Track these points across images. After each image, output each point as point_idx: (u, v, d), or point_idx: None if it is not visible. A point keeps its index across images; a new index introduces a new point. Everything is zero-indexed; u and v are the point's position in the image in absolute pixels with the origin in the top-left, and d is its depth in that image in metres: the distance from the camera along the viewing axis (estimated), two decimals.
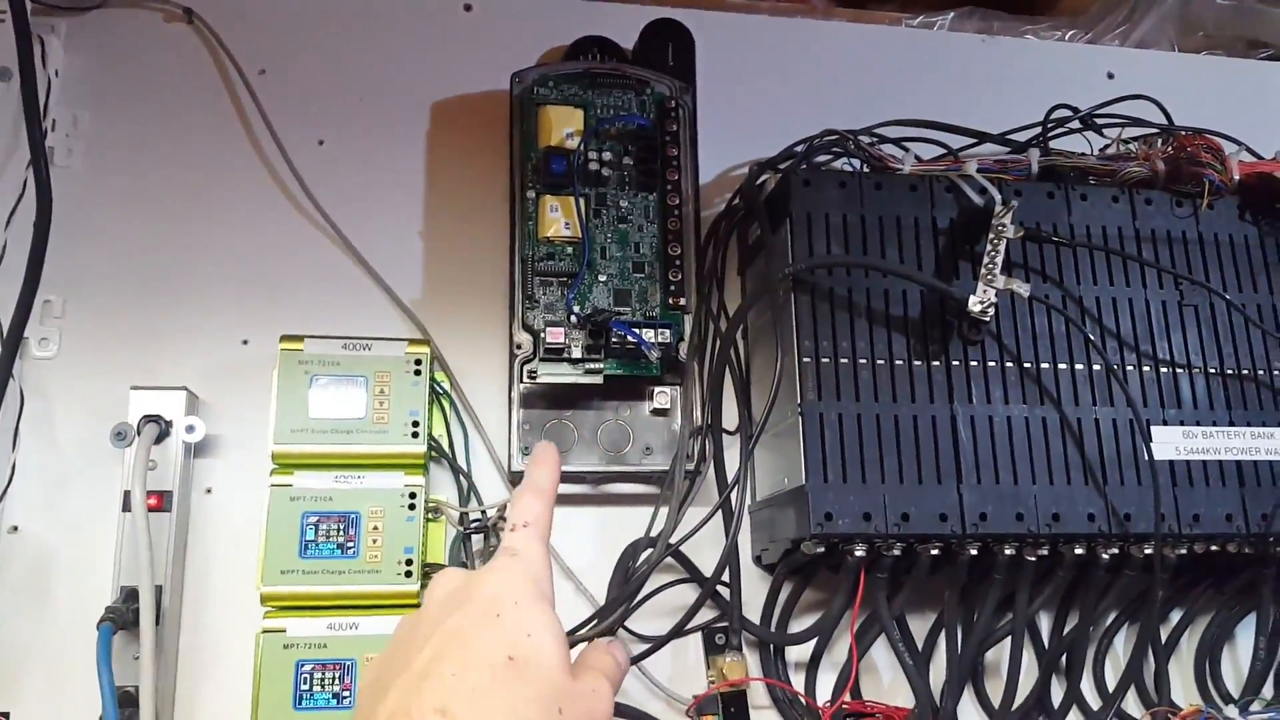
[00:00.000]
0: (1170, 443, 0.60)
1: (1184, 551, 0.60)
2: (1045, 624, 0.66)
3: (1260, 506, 0.60)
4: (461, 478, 0.62)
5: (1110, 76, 0.78)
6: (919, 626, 0.65)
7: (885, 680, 0.65)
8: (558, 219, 0.62)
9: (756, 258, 0.67)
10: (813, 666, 0.63)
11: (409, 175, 0.69)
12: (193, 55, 0.69)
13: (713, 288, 0.67)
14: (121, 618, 0.54)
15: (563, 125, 0.63)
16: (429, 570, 0.58)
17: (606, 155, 0.64)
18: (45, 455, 0.60)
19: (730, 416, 0.66)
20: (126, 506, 0.56)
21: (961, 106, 0.70)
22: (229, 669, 0.58)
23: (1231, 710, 0.61)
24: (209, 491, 0.61)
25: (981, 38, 0.78)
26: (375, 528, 0.57)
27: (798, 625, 0.64)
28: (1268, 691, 0.67)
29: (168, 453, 0.58)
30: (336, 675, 0.54)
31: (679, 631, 0.57)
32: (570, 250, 0.62)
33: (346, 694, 0.54)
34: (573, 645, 0.56)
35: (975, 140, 0.68)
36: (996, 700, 0.63)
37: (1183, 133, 0.66)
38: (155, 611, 0.54)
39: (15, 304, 0.58)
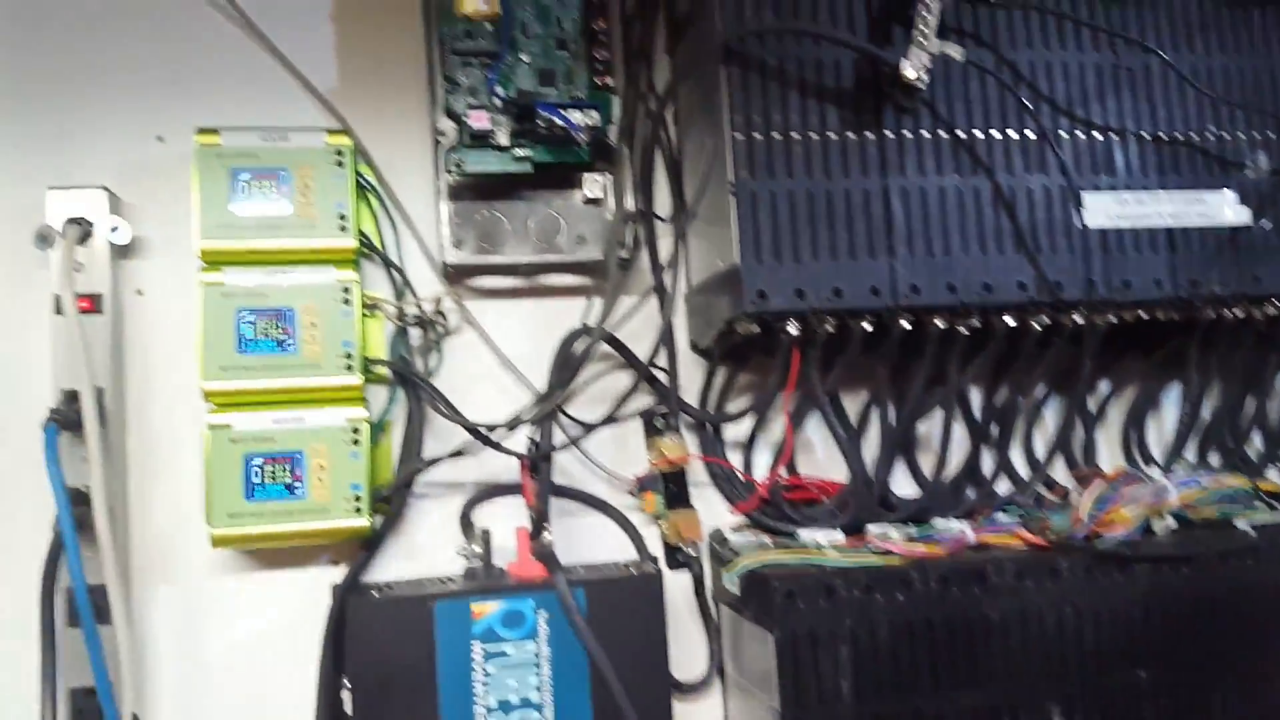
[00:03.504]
0: (1102, 209, 0.60)
1: (1114, 319, 0.61)
2: (978, 398, 0.68)
3: (1189, 271, 0.61)
4: (394, 272, 0.62)
5: None
6: (854, 404, 0.66)
7: (820, 456, 0.67)
8: None
9: (685, 34, 0.64)
10: (750, 446, 0.66)
11: None
12: None
13: (641, 67, 0.64)
14: (65, 419, 0.55)
15: None
16: (370, 365, 0.59)
17: None
18: None
19: (665, 202, 0.65)
20: (58, 309, 0.56)
21: None
22: (177, 466, 0.59)
23: (1155, 471, 0.64)
24: (139, 293, 0.60)
25: None
26: (312, 323, 0.57)
27: (735, 408, 0.66)
28: (1191, 456, 0.70)
29: (94, 255, 0.58)
30: (286, 467, 0.56)
31: (613, 414, 0.58)
32: (490, 28, 0.59)
33: (298, 484, 0.56)
34: (514, 425, 0.58)
35: None
36: (930, 472, 0.66)
37: None
38: (98, 412, 0.55)
39: None
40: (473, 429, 0.57)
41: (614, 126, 0.61)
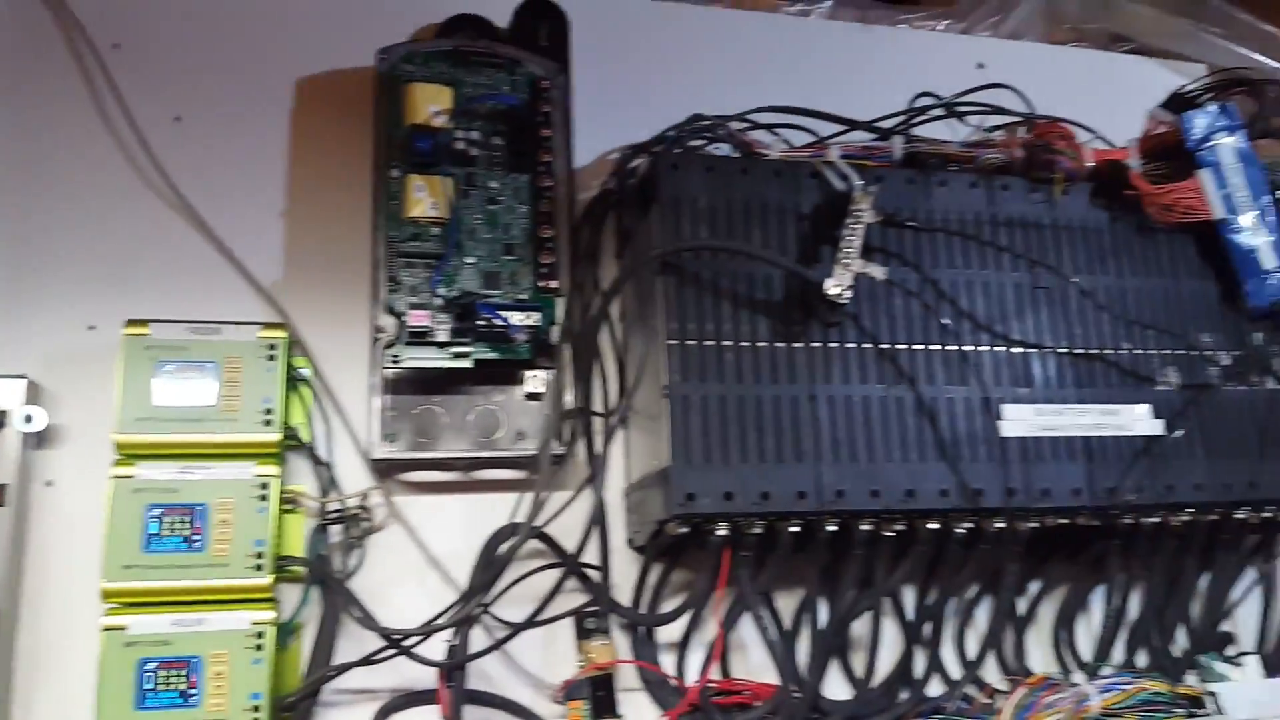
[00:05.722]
0: (1021, 420, 0.62)
1: (1035, 525, 0.62)
2: (912, 599, 0.68)
3: (1106, 480, 0.63)
4: (321, 467, 0.60)
5: (980, 66, 0.80)
6: (789, 604, 0.66)
7: (755, 659, 0.66)
8: (423, 199, 0.61)
9: (631, 243, 0.67)
10: (683, 647, 0.64)
11: (271, 154, 0.67)
12: (41, 30, 0.65)
13: (589, 271, 0.67)
14: None
15: (429, 103, 0.62)
16: (283, 563, 0.57)
17: (475, 135, 0.63)
18: None
19: (611, 401, 0.66)
20: None
21: (837, 94, 0.71)
22: (71, 669, 0.55)
23: (1079, 676, 0.64)
24: (49, 484, 0.58)
25: (858, 26, 0.79)
26: (224, 520, 0.55)
27: (670, 607, 0.64)
28: (1119, 657, 0.70)
29: (4, 444, 0.55)
30: (182, 673, 0.52)
31: (536, 615, 0.56)
32: (437, 231, 0.61)
33: (194, 691, 0.52)
34: (430, 633, 0.56)
35: (844, 127, 0.69)
36: (864, 673, 0.65)
37: (1040, 121, 0.69)
38: None
39: None
40: (386, 634, 0.55)
41: (556, 327, 0.62)
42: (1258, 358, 0.68)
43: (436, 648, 0.58)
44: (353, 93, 0.67)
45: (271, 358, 0.58)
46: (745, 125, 0.66)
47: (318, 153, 0.67)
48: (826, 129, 0.69)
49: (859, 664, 0.66)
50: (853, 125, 0.69)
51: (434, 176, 0.61)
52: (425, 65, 0.63)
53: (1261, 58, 0.87)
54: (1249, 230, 0.68)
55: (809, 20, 0.80)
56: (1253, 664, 0.67)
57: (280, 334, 0.59)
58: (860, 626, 0.66)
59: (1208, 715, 0.63)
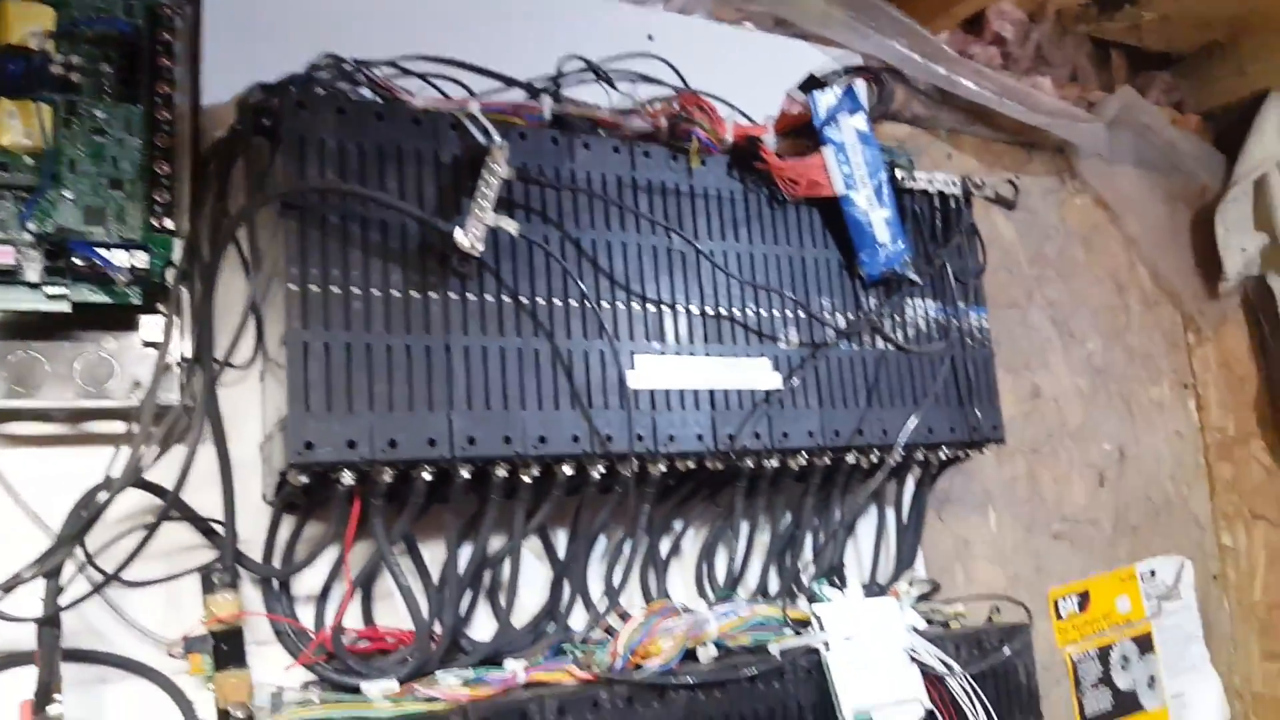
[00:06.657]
0: (650, 372, 0.66)
1: (664, 468, 0.67)
2: (564, 540, 0.71)
3: (728, 427, 0.69)
4: None
5: (650, 38, 0.84)
6: (440, 552, 0.67)
7: (404, 607, 0.67)
8: (15, 126, 0.55)
9: (262, 184, 0.64)
10: (323, 599, 0.64)
11: None
12: None
13: (216, 212, 0.64)
14: None
15: (27, 23, 0.56)
16: None
17: (77, 60, 0.58)
18: None
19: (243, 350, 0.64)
20: None
21: (503, 51, 0.72)
22: None
23: (702, 604, 0.70)
24: None
25: None
26: None
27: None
28: (754, 585, 0.77)
29: None
30: None
31: (128, 564, 0.54)
32: (31, 162, 0.56)
33: None
34: (13, 586, 0.52)
35: (503, 84, 0.70)
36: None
37: (685, 94, 0.73)
38: None
39: None
40: None
41: (174, 269, 0.59)
42: (869, 320, 0.77)
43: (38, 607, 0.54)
44: None
45: None
46: (392, 71, 0.65)
47: None
48: (482, 84, 0.70)
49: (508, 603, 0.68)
50: (513, 83, 0.70)
51: (28, 102, 0.56)
52: None
53: (906, 50, 0.97)
54: (865, 205, 0.76)
55: None
56: (855, 588, 0.77)
57: None
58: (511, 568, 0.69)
59: (812, 633, 0.71)
